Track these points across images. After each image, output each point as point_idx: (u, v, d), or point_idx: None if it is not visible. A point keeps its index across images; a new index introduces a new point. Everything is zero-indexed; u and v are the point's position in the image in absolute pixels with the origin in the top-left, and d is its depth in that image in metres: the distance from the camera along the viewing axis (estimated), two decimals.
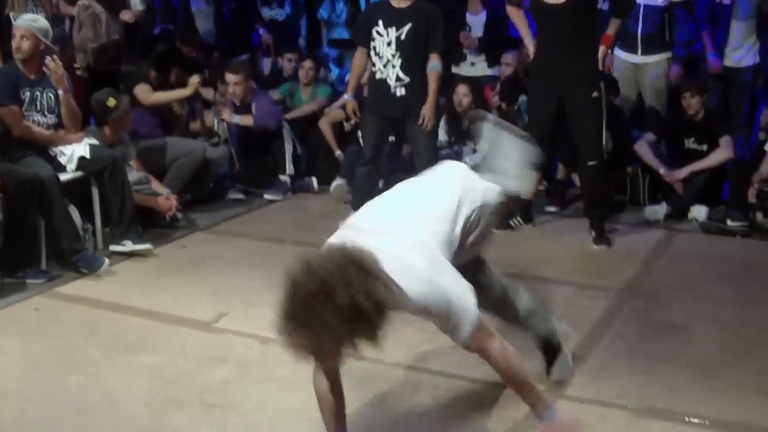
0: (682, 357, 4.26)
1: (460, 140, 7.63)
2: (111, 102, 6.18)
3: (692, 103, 6.76)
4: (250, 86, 7.46)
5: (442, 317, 2.89)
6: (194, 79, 7.12)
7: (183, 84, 7.29)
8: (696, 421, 3.61)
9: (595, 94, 5.92)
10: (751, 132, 7.52)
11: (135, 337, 4.48)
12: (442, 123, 7.64)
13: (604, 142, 6.08)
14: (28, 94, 5.70)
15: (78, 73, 7.42)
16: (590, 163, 6.04)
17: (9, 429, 3.54)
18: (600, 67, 6.06)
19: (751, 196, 6.36)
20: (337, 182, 7.34)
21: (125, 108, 6.34)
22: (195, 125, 7.66)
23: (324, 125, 7.90)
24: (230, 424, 3.59)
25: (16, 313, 4.83)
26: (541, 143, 6.24)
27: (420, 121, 6.33)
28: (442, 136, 7.47)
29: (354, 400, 3.42)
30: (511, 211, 6.48)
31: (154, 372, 4.08)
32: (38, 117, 5.76)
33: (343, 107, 7.69)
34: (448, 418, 3.63)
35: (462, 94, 7.56)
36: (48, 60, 5.66)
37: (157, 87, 7.21)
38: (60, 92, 5.75)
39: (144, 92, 7.02)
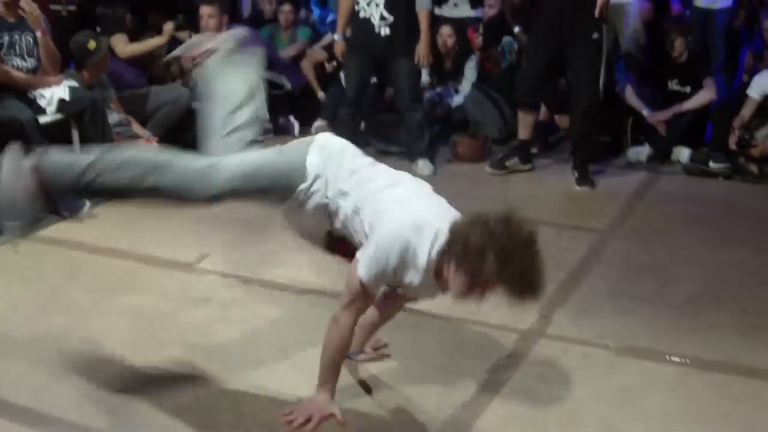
0: (664, 297, 4.28)
1: (443, 82, 7.60)
2: (91, 44, 6.12)
3: (675, 44, 6.73)
4: (224, 21, 7.34)
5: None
6: (168, 26, 7.00)
7: (159, 27, 7.18)
8: (677, 359, 3.63)
9: (595, 35, 5.90)
10: (734, 74, 7.52)
11: (117, 279, 4.47)
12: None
13: (600, 84, 6.07)
14: (6, 38, 5.62)
15: (63, 14, 7.32)
16: (585, 104, 6.03)
17: None
18: (597, 14, 5.99)
19: (732, 143, 6.34)
20: (318, 123, 7.30)
21: (105, 50, 6.27)
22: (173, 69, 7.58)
23: (306, 66, 7.86)
24: (213, 364, 3.58)
25: None
26: (535, 82, 6.25)
27: (416, 59, 6.31)
28: (425, 77, 7.43)
29: None
30: (510, 151, 6.48)
31: (137, 313, 4.08)
32: (18, 61, 5.69)
33: (327, 48, 7.65)
34: (429, 356, 3.63)
35: (446, 36, 7.51)
36: (23, 1, 5.58)
37: (133, 32, 7.08)
38: (38, 34, 5.68)
39: (120, 43, 6.89)
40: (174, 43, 7.35)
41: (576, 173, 6.15)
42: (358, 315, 3.08)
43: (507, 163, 6.42)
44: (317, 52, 7.80)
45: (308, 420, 3.11)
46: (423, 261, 2.87)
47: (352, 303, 3.02)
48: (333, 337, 3.07)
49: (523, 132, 6.45)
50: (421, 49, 6.34)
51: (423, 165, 6.49)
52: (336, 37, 6.75)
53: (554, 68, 6.21)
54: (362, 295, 3.00)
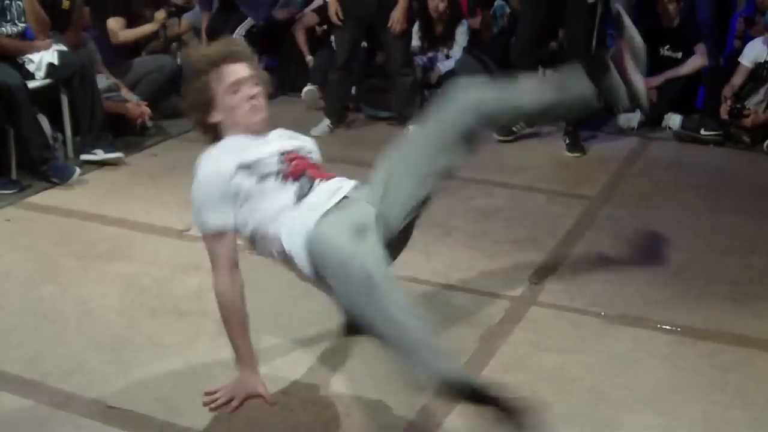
0: (655, 265, 4.29)
1: (434, 46, 7.55)
2: (65, 4, 6.06)
3: (669, 9, 6.70)
4: None
5: None
6: (160, 15, 6.91)
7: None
8: (668, 327, 3.64)
9: None
10: (725, 40, 7.48)
11: (108, 246, 4.46)
12: (416, 28, 7.54)
13: (593, 47, 6.04)
14: None
15: None
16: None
17: None
18: None
19: (723, 113, 6.31)
20: (308, 88, 7.26)
21: (80, 6, 6.21)
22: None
23: (299, 31, 7.77)
24: (204, 332, 3.59)
25: None
26: (531, 45, 6.21)
27: (389, 24, 6.27)
28: (416, 41, 7.38)
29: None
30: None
31: (128, 280, 4.07)
32: (9, 27, 5.62)
33: (317, 11, 7.58)
34: None
35: (437, 0, 7.45)
36: None
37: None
38: None
39: (116, 27, 6.79)
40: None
41: (567, 139, 6.13)
42: (226, 270, 2.99)
43: (513, 128, 6.36)
44: (309, 15, 7.72)
45: (230, 400, 3.07)
46: None
47: (212, 261, 3.01)
48: (220, 308, 3.04)
49: None
50: (396, 14, 6.30)
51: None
52: None
53: (548, 30, 6.17)
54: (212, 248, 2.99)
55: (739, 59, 6.46)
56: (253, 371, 3.13)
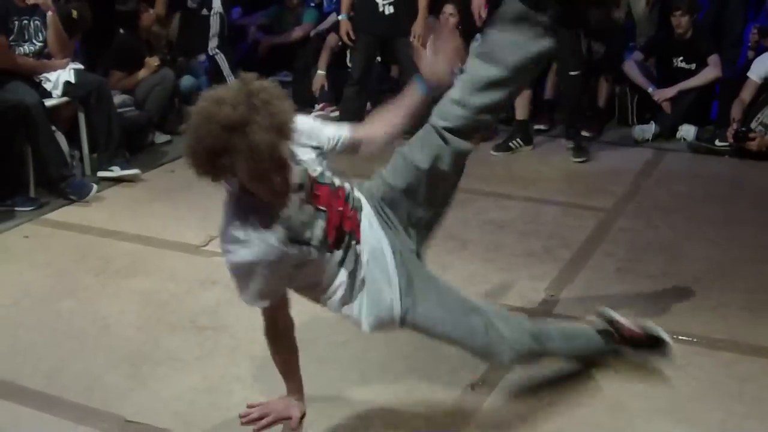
0: (670, 276, 4.29)
1: None
2: (74, 14, 6.11)
3: (682, 21, 6.70)
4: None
5: None
6: (153, 62, 6.87)
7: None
8: (684, 338, 3.64)
9: None
10: (739, 51, 7.47)
11: (125, 262, 4.49)
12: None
13: (583, 50, 6.09)
14: (17, 23, 5.61)
15: None
16: (572, 73, 6.07)
17: (3, 356, 3.56)
18: None
19: (729, 135, 6.29)
20: (316, 113, 7.23)
21: (88, 17, 6.26)
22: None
23: (325, 51, 7.68)
24: (222, 346, 3.62)
25: (6, 241, 4.83)
26: None
27: (411, 38, 6.29)
28: None
29: None
30: (512, 133, 6.45)
31: (146, 296, 4.10)
32: (26, 47, 5.67)
33: (333, 29, 7.61)
34: None
35: (448, 14, 7.46)
36: None
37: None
38: (48, 14, 5.68)
39: (113, 79, 6.75)
40: None
41: (570, 144, 6.18)
42: (271, 322, 2.90)
43: (511, 144, 6.40)
44: (331, 38, 7.66)
45: (262, 418, 3.07)
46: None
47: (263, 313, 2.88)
48: (268, 346, 2.97)
49: (520, 112, 6.43)
50: (417, 28, 6.33)
51: None
52: (340, 17, 6.73)
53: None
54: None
55: (747, 74, 6.44)
56: (296, 398, 3.09)
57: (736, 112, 6.33)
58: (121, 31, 6.83)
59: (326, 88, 7.49)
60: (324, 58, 7.58)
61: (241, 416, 3.08)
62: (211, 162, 2.48)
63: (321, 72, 7.55)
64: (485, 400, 3.20)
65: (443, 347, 3.42)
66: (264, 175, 2.50)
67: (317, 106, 7.38)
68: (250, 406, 3.12)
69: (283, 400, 3.10)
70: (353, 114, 6.68)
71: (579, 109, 6.32)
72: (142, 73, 6.67)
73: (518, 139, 6.43)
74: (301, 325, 3.55)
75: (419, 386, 3.30)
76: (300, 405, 3.08)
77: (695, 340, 3.63)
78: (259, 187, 2.56)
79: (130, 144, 6.08)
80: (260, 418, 3.06)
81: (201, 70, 7.57)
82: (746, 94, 6.39)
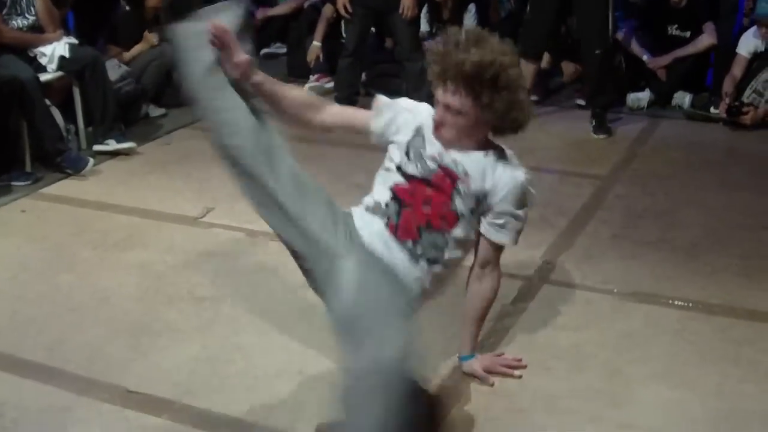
0: (667, 242, 4.31)
1: (443, 30, 7.54)
2: None
3: None
4: None
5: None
6: (151, 37, 6.81)
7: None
8: (680, 303, 3.67)
9: None
10: (735, 19, 7.46)
11: (123, 235, 4.50)
12: (424, 12, 7.56)
13: (610, 29, 6.03)
14: None
15: None
16: (597, 51, 5.99)
17: (3, 329, 3.57)
18: None
19: (722, 110, 6.29)
20: (311, 85, 7.23)
21: None
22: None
23: (321, 23, 7.65)
24: (221, 316, 3.63)
25: (3, 215, 4.83)
26: (543, 34, 6.20)
27: (401, 10, 6.28)
28: (424, 26, 7.40)
29: None
30: None
31: (144, 268, 4.11)
32: (19, 20, 5.66)
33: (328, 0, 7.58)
34: (433, 304, 3.64)
35: None
36: None
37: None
38: None
39: (112, 52, 6.76)
40: None
41: (594, 121, 6.11)
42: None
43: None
44: (327, 9, 7.63)
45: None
46: None
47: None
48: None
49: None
50: (406, 0, 6.31)
51: None
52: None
53: (559, 20, 6.17)
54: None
55: (736, 50, 6.43)
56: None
57: (727, 86, 6.32)
58: (127, 8, 6.78)
59: (321, 59, 7.47)
60: (320, 30, 7.54)
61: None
62: None
63: (316, 43, 7.52)
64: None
65: (438, 316, 3.46)
66: None
67: (312, 77, 7.37)
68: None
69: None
70: (348, 85, 6.69)
71: (603, 89, 6.24)
72: (138, 48, 6.65)
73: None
74: (301, 294, 3.59)
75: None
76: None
77: (691, 305, 3.66)
78: None
79: (123, 117, 6.07)
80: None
81: None
82: (737, 69, 6.38)
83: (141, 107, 6.54)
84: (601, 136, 6.08)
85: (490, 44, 2.78)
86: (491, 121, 2.83)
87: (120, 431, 2.93)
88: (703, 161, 5.52)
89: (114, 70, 6.11)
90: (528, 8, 6.45)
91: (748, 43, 6.39)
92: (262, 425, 2.93)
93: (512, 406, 3.00)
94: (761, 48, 6.33)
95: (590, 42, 6.01)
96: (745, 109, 6.14)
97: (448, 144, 2.83)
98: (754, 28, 6.40)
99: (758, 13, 6.31)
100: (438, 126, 2.83)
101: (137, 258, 4.23)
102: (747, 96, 6.22)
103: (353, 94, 6.77)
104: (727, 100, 6.23)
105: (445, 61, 2.79)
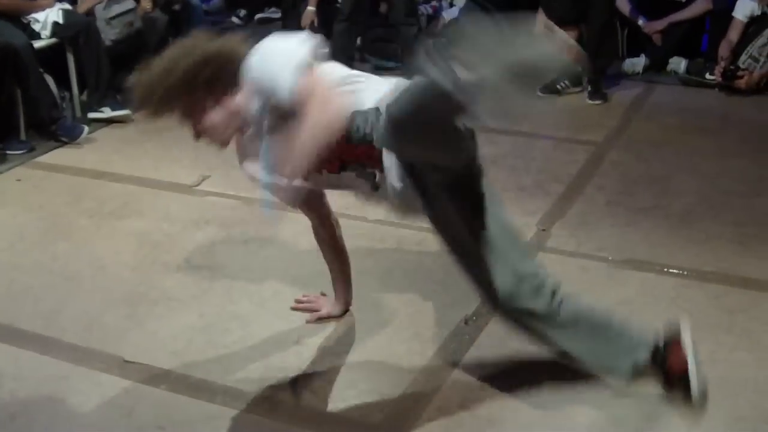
0: (661, 209, 4.32)
1: None
2: None
3: None
4: None
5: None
6: (146, 4, 6.68)
7: None
8: (675, 271, 3.68)
9: None
10: None
11: (119, 203, 4.51)
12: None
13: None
14: None
15: None
16: (603, 13, 5.99)
17: (0, 299, 3.59)
18: None
19: (718, 74, 6.27)
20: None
21: None
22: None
23: None
24: (218, 285, 3.65)
25: None
26: None
27: None
28: None
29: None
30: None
31: (140, 236, 4.12)
32: None
33: None
34: (431, 272, 3.68)
35: None
36: None
37: None
38: None
39: None
40: None
41: (589, 87, 6.09)
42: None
43: (558, 86, 6.21)
44: None
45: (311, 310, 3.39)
46: None
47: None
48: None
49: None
50: None
51: None
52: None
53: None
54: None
55: (733, 14, 6.40)
56: (341, 300, 3.37)
57: (723, 50, 6.29)
58: None
59: (316, 24, 7.42)
60: None
61: (295, 303, 3.43)
62: None
63: (311, 8, 7.43)
64: (478, 336, 3.24)
65: (436, 284, 3.47)
66: None
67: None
68: (298, 301, 3.44)
69: (329, 299, 3.40)
70: (343, 50, 6.66)
71: (603, 54, 6.20)
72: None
73: (566, 81, 6.25)
74: (298, 263, 3.60)
75: (413, 324, 3.33)
76: (339, 306, 3.36)
77: (685, 272, 3.68)
78: None
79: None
80: (310, 310, 3.37)
81: None
82: (733, 33, 6.35)
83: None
84: (597, 102, 6.07)
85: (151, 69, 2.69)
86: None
87: (118, 401, 2.94)
88: (698, 127, 5.51)
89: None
90: None
91: (744, 7, 6.36)
92: (259, 394, 2.95)
93: (505, 373, 3.02)
94: (758, 11, 6.30)
95: (598, 3, 5.96)
96: (740, 73, 6.12)
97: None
98: None
99: None
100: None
101: (133, 226, 4.24)
102: (743, 61, 6.20)
103: (348, 59, 6.75)
104: (723, 64, 6.22)
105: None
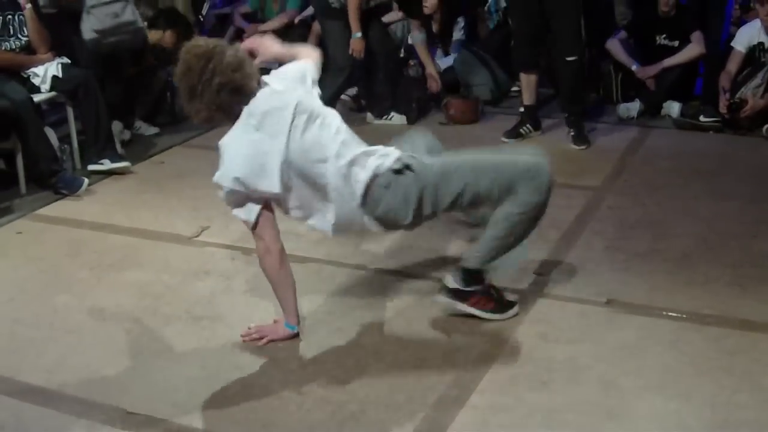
0: (659, 252, 4.34)
1: (432, 43, 7.58)
2: None
3: None
4: None
5: None
6: (149, 59, 6.77)
7: None
8: (674, 314, 3.70)
9: None
10: (722, 27, 7.50)
11: (119, 255, 4.52)
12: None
13: (583, 36, 6.05)
14: (0, 18, 5.63)
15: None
16: (570, 58, 6.02)
17: (2, 352, 3.59)
18: None
19: (722, 107, 6.32)
20: None
21: None
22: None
23: (312, 40, 7.61)
24: (219, 335, 3.65)
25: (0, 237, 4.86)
26: (530, 42, 6.21)
27: (428, 85, 6.34)
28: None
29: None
30: (521, 119, 6.42)
31: (141, 288, 4.13)
32: (11, 42, 5.68)
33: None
34: (430, 319, 3.70)
35: None
36: None
37: None
38: (27, 8, 5.67)
39: None
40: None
41: (572, 131, 6.14)
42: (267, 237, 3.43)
43: (521, 131, 6.33)
44: (316, 25, 7.59)
45: (261, 338, 3.55)
46: None
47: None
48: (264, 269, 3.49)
49: (528, 97, 6.36)
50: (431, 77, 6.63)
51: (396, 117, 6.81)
52: (355, 35, 6.56)
53: (543, 27, 6.16)
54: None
55: (732, 44, 6.47)
56: (289, 317, 3.56)
57: (724, 82, 6.34)
58: None
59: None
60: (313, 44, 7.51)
61: (242, 335, 3.58)
62: None
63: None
64: (480, 382, 3.25)
65: (434, 333, 3.48)
66: None
67: None
68: (244, 334, 3.59)
69: (278, 323, 3.59)
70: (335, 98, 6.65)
71: (579, 97, 6.28)
72: (132, 69, 6.65)
73: (528, 125, 6.35)
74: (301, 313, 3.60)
75: (414, 370, 3.34)
76: (288, 328, 3.56)
77: (685, 316, 3.69)
78: None
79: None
80: (258, 338, 3.56)
81: None
82: (732, 64, 6.41)
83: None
84: (582, 147, 6.09)
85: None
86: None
87: None
88: (694, 170, 5.55)
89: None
90: (510, 20, 6.47)
91: (743, 37, 6.43)
92: None
93: (509, 422, 3.03)
94: (756, 40, 6.36)
95: (564, 48, 6.04)
96: (744, 105, 6.17)
97: None
98: (751, 22, 6.44)
99: None
100: None
101: (134, 278, 4.25)
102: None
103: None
104: (727, 96, 6.26)
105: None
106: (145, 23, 6.57)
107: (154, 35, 6.66)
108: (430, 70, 6.66)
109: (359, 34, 6.40)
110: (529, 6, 5.99)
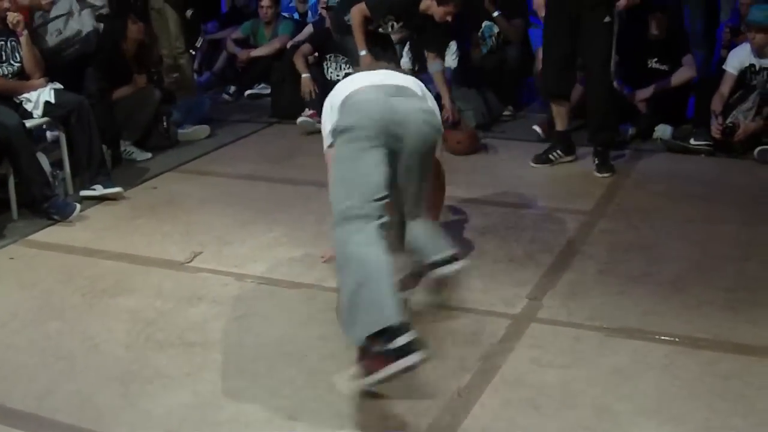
0: (652, 276, 4.34)
1: (424, 68, 7.59)
2: None
3: (657, 23, 6.77)
4: None
5: None
6: (141, 80, 6.78)
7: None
8: (667, 338, 3.69)
9: (607, 18, 5.85)
10: (713, 50, 7.55)
11: (111, 281, 4.51)
12: (406, 49, 7.63)
13: (612, 66, 6.03)
14: None
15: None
16: (601, 87, 6.00)
17: None
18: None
19: (715, 132, 6.34)
20: (303, 119, 7.23)
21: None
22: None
23: (298, 59, 7.62)
24: (211, 362, 3.64)
25: None
26: (561, 71, 6.17)
27: (444, 117, 6.37)
28: (406, 62, 7.47)
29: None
30: (552, 144, 6.42)
31: (133, 314, 4.12)
32: (4, 68, 5.70)
33: (310, 39, 7.61)
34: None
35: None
36: (9, 15, 5.64)
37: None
38: (24, 34, 5.69)
39: None
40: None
41: (596, 160, 6.09)
42: None
43: (551, 156, 6.30)
44: (305, 47, 7.64)
45: None
46: None
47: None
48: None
49: (560, 123, 6.31)
50: (447, 109, 6.59)
51: None
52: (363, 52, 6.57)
53: (574, 52, 6.11)
54: None
55: (724, 66, 6.49)
56: None
57: (716, 105, 6.35)
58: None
59: (316, 91, 7.33)
60: (300, 63, 7.48)
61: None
62: None
63: (306, 75, 7.43)
64: (472, 407, 3.24)
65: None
66: None
67: (307, 111, 7.27)
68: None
69: None
70: None
71: (607, 125, 6.19)
72: (125, 90, 6.67)
73: (558, 151, 6.31)
74: (291, 338, 3.60)
75: (407, 396, 3.33)
76: None
77: (678, 339, 3.69)
78: None
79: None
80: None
81: None
82: (725, 87, 6.42)
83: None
84: (606, 175, 6.00)
85: None
86: None
87: None
88: (686, 194, 5.56)
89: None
90: (542, 46, 6.39)
91: (734, 59, 6.45)
92: None
93: None
94: (746, 63, 6.38)
95: (596, 79, 5.99)
96: (737, 129, 6.18)
97: None
98: (745, 42, 6.46)
99: (749, 19, 6.36)
100: None
101: (126, 304, 4.23)
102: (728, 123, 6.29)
103: None
104: (719, 121, 6.28)
105: None
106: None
107: (134, 32, 6.74)
108: (445, 101, 6.62)
109: (364, 52, 6.40)
110: (564, 35, 5.97)
